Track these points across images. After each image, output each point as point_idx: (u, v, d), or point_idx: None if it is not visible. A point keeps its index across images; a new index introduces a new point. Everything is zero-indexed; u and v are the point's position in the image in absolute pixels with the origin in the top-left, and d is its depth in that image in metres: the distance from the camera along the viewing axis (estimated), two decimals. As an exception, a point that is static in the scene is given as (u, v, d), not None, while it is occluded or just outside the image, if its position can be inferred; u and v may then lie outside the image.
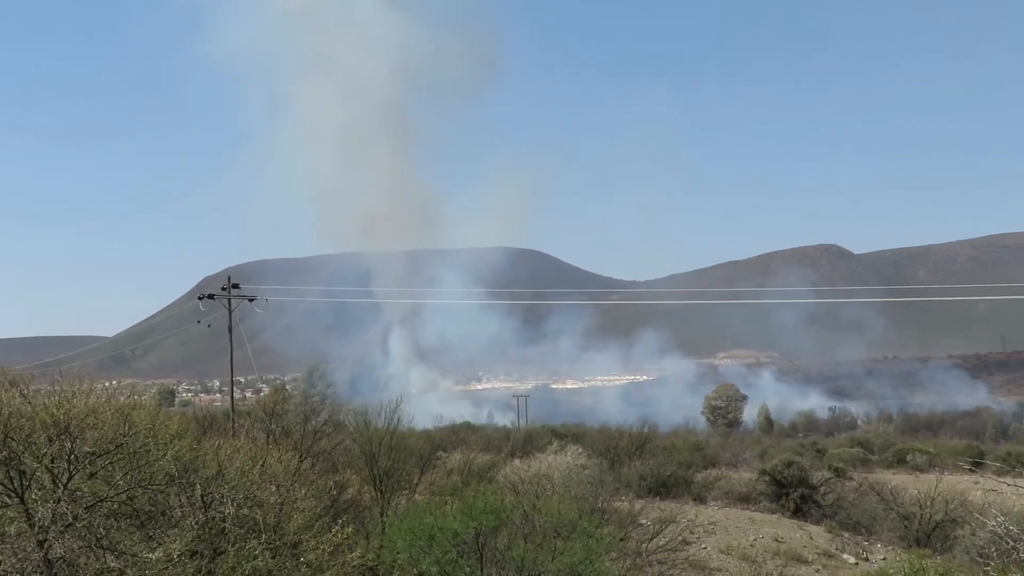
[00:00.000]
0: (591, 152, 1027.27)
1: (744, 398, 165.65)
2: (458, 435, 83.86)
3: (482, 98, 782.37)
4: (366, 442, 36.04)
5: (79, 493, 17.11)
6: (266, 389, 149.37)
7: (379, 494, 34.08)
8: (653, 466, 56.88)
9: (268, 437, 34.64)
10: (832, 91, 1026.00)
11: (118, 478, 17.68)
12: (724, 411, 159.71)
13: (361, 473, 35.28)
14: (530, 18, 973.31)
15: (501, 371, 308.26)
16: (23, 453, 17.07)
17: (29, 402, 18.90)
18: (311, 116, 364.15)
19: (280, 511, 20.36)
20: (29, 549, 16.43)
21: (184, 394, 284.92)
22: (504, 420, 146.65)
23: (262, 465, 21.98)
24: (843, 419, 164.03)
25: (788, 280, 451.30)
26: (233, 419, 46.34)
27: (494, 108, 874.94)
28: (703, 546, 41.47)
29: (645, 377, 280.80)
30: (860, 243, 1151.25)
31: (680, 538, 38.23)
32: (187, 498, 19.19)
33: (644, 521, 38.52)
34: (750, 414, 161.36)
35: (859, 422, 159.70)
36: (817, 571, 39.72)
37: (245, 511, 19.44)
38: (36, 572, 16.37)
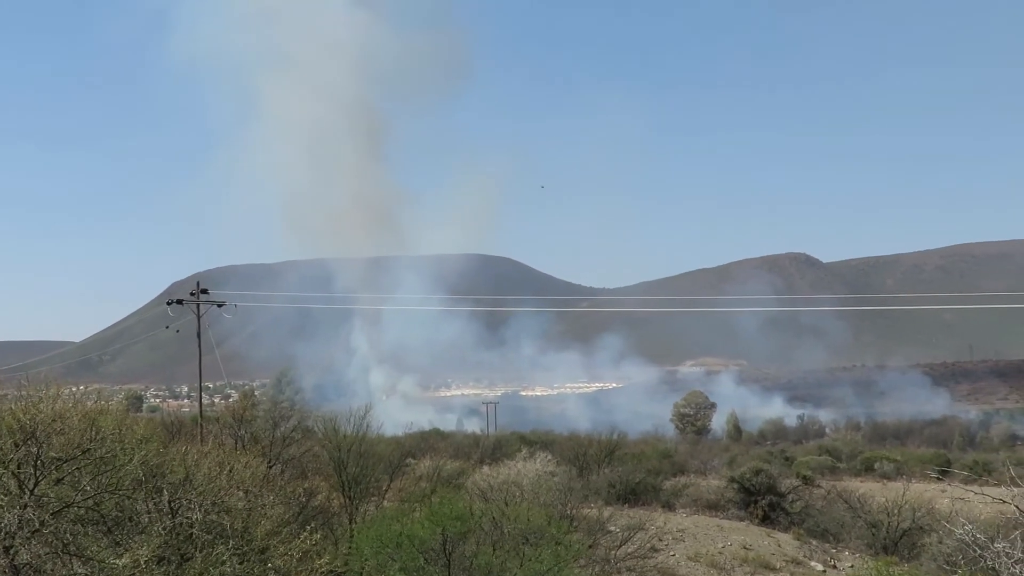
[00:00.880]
0: (561, 158, 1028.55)
1: (713, 406, 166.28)
2: (427, 442, 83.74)
3: (450, 101, 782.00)
4: (335, 449, 35.96)
5: (45, 499, 16.96)
6: (235, 395, 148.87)
7: (348, 501, 33.99)
8: (622, 473, 56.92)
9: (237, 443, 34.52)
10: (804, 100, 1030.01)
11: (85, 483, 17.54)
12: (693, 419, 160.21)
13: (330, 480, 35.21)
14: (497, 21, 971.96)
15: (470, 377, 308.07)
16: (-11, 458, 16.93)
17: (-5, 407, 18.74)
18: (278, 118, 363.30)
19: (248, 517, 20.26)
20: (-6, 555, 16.29)
21: (152, 400, 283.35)
22: (472, 426, 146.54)
23: (230, 471, 21.87)
24: (811, 427, 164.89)
25: (757, 288, 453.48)
26: (201, 424, 46.18)
27: (462, 112, 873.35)
28: (672, 553, 41.55)
29: (614, 384, 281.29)
30: (829, 252, 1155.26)
31: (649, 545, 38.35)
32: (154, 503, 19.07)
33: (613, 528, 38.56)
34: (718, 422, 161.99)
35: (827, 430, 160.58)
36: (785, 578, 39.88)
37: (213, 517, 19.31)
38: (1, 578, 16.24)
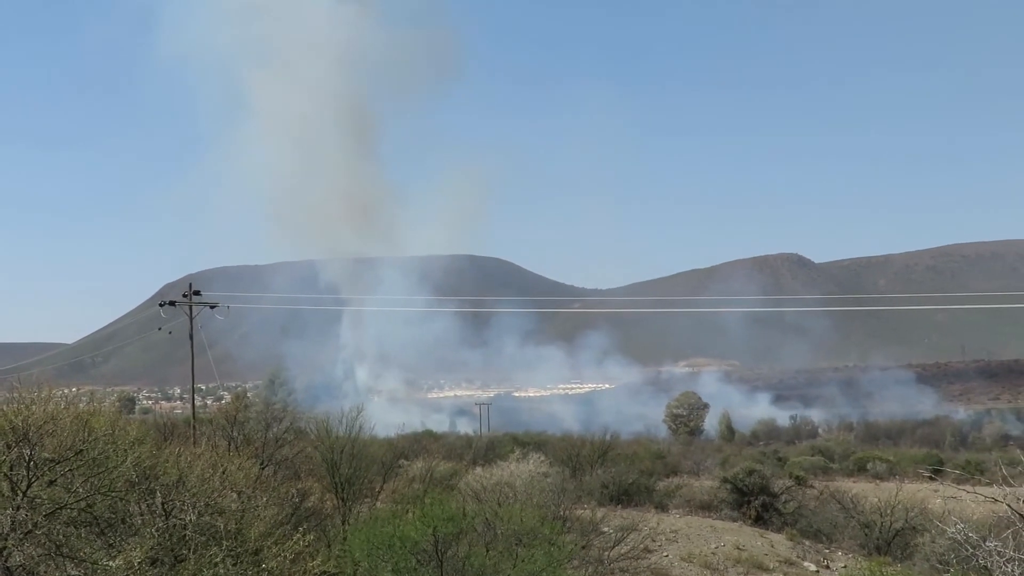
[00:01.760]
0: (554, 158, 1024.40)
1: (706, 406, 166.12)
2: (420, 443, 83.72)
3: (439, 100, 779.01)
4: (328, 450, 35.95)
5: (38, 500, 16.95)
6: (228, 396, 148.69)
7: (341, 502, 33.99)
8: (615, 474, 56.94)
9: (229, 444, 34.48)
10: (796, 100, 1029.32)
11: (78, 485, 17.53)
12: (686, 419, 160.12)
13: (323, 481, 35.20)
14: (486, 20, 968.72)
15: (460, 377, 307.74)
16: (-19, 460, 16.90)
17: (-13, 409, 18.71)
18: (266, 116, 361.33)
19: (241, 518, 20.25)
20: (-13, 557, 16.26)
21: (145, 401, 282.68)
22: (463, 427, 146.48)
23: (223, 472, 21.86)
24: (804, 427, 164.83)
25: (749, 289, 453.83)
26: (194, 426, 46.10)
27: (451, 110, 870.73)
28: (665, 554, 41.57)
29: (607, 385, 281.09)
30: (820, 252, 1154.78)
31: (642, 546, 38.37)
32: (147, 505, 19.05)
33: (606, 529, 38.57)
34: (711, 422, 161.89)
35: (820, 430, 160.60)
36: (778, 578, 39.92)
37: (206, 518, 19.32)
38: (-6, 580, 16.21)
